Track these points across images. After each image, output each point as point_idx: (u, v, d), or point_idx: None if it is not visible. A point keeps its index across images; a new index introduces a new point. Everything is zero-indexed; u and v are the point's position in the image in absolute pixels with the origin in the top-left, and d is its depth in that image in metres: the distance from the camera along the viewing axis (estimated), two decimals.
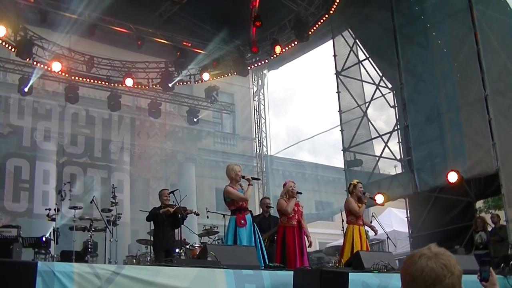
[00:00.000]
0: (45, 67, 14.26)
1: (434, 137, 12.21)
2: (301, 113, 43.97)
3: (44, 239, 9.92)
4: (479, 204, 14.86)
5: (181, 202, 8.97)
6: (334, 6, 13.77)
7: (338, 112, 14.46)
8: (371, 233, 9.56)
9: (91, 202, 9.83)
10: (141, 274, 4.99)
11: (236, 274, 5.44)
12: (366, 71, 14.69)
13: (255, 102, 19.83)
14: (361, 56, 14.72)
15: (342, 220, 9.21)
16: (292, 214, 8.09)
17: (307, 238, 8.40)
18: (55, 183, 16.40)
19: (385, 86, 14.47)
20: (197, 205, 16.71)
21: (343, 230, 8.94)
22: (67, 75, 15.22)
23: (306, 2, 13.94)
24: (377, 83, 14.39)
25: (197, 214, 10.20)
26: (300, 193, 8.41)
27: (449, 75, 11.95)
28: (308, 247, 8.53)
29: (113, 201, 9.96)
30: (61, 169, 17.09)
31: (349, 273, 5.61)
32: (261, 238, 7.55)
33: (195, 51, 15.24)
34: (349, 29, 14.68)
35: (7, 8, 12.43)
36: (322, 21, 14.11)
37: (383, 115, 16.38)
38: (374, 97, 14.34)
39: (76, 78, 15.48)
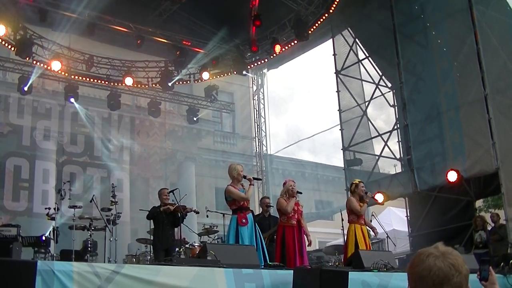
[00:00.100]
0: (45, 66, 14.26)
1: (433, 136, 12.22)
2: (300, 112, 44.01)
3: (43, 238, 9.92)
4: (479, 203, 14.90)
5: (180, 201, 8.97)
6: (334, 5, 13.78)
7: (338, 111, 14.46)
8: (380, 232, 9.56)
9: (90, 201, 9.82)
10: (141, 273, 4.98)
11: (235, 273, 5.44)
12: (366, 70, 14.69)
13: (254, 101, 19.82)
14: (361, 55, 14.73)
15: (342, 219, 9.21)
16: (292, 213, 8.09)
17: (307, 237, 8.39)
18: (54, 182, 16.40)
19: (384, 85, 14.48)
20: (196, 204, 16.69)
21: (343, 229, 8.94)
22: (66, 74, 15.22)
23: (306, 1, 13.94)
24: (376, 82, 14.40)
25: (197, 212, 10.19)
26: (300, 193, 8.40)
27: (449, 74, 11.95)
28: (308, 246, 8.53)
29: (113, 200, 9.94)
30: (61, 168, 17.10)
31: (349, 272, 5.61)
32: (262, 238, 7.57)
33: (194, 50, 15.25)
34: (349, 28, 14.67)
35: (6, 7, 12.43)
36: (321, 20, 14.12)
37: (382, 114, 16.39)
38: (373, 96, 14.35)
39: (76, 77, 15.48)
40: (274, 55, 15.36)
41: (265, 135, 19.34)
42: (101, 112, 17.81)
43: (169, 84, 15.78)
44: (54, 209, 9.74)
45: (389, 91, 14.55)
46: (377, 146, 14.30)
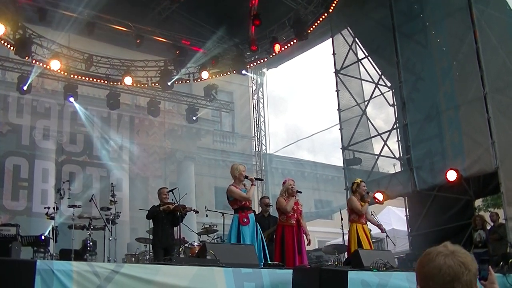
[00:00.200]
0: (44, 65, 14.25)
1: (433, 136, 12.21)
2: (300, 112, 44.08)
3: (43, 237, 9.91)
4: (478, 202, 14.88)
5: (180, 200, 8.96)
6: (333, 5, 13.78)
7: (337, 111, 14.45)
8: (377, 231, 9.53)
9: (90, 201, 9.82)
10: (140, 272, 4.98)
11: (235, 273, 5.44)
12: (365, 69, 14.69)
13: (254, 100, 19.83)
14: (360, 54, 14.71)
15: (342, 219, 9.22)
16: (292, 213, 8.08)
17: (306, 237, 8.39)
18: (54, 181, 16.39)
19: (384, 84, 14.47)
20: (196, 203, 16.70)
21: (342, 229, 8.94)
22: (66, 74, 15.21)
23: (305, 1, 13.94)
24: (376, 81, 14.40)
25: (197, 212, 10.18)
26: (300, 192, 8.39)
27: (448, 73, 11.95)
28: (307, 245, 8.53)
29: (112, 199, 9.94)
30: (60, 167, 17.10)
31: (349, 272, 5.61)
32: (263, 237, 7.58)
33: (194, 49, 15.24)
34: (348, 28, 14.66)
35: (6, 6, 12.41)
36: (321, 19, 14.12)
37: (382, 114, 16.39)
38: (373, 96, 14.35)
39: (75, 76, 15.47)
40: (274, 54, 15.36)
41: (265, 135, 19.34)
42: (100, 112, 17.80)
43: (169, 83, 15.77)
44: (54, 208, 9.73)
45: (389, 91, 14.55)
46: (377, 145, 14.32)
